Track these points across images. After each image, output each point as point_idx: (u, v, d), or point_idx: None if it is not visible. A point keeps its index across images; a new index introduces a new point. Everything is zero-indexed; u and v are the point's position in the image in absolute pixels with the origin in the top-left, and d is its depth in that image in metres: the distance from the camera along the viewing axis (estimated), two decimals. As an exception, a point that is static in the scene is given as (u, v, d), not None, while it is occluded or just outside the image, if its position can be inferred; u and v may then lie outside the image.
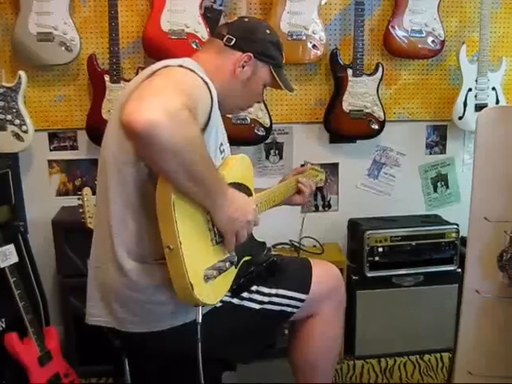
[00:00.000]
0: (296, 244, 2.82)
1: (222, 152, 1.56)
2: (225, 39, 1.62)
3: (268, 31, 1.69)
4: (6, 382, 2.26)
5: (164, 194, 1.31)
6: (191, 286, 1.32)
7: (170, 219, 1.30)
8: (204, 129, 1.41)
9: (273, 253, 2.63)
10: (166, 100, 1.22)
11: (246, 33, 1.64)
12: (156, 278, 1.43)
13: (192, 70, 1.40)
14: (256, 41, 1.64)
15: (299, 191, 1.97)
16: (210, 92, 1.41)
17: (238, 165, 1.59)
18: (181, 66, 1.41)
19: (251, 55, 1.62)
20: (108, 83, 2.54)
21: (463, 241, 2.58)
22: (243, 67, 1.62)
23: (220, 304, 1.52)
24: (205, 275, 1.38)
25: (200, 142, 1.29)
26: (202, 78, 1.40)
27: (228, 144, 1.64)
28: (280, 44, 1.72)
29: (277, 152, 2.95)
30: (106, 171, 1.48)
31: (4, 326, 2.29)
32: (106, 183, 1.47)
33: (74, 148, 2.78)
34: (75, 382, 2.36)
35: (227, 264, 1.46)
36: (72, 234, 2.44)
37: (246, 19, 1.75)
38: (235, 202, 1.44)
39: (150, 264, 1.44)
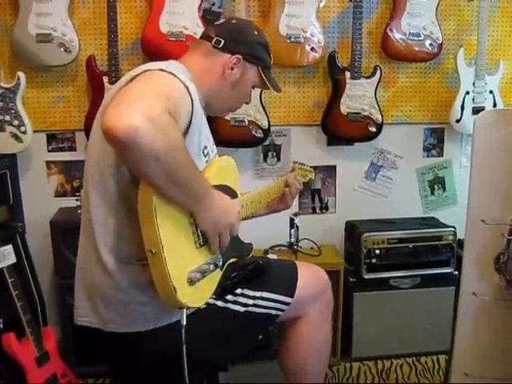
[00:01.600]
0: (293, 245, 2.81)
1: (205, 155, 1.54)
2: (213, 41, 1.61)
3: (256, 32, 1.68)
4: (4, 383, 2.26)
5: (145, 198, 1.30)
6: (174, 289, 1.31)
7: (151, 224, 1.29)
8: (186, 132, 1.40)
9: (270, 255, 2.66)
10: (146, 105, 1.20)
11: (235, 34, 1.63)
12: (140, 278, 1.43)
13: (173, 74, 1.38)
14: (245, 43, 1.63)
15: (284, 194, 1.92)
16: (191, 96, 1.39)
17: (222, 167, 1.59)
18: (161, 69, 1.40)
19: (240, 57, 1.61)
20: (107, 85, 2.53)
21: (460, 243, 2.58)
22: (232, 69, 1.61)
23: (204, 306, 1.51)
24: (188, 278, 1.37)
25: (181, 146, 1.28)
26: (182, 82, 1.38)
27: (214, 147, 1.62)
28: (268, 45, 1.71)
29: (275, 154, 2.95)
30: (88, 173, 1.48)
31: (2, 326, 2.28)
32: (89, 185, 1.47)
33: (72, 149, 2.78)
34: (73, 382, 2.36)
35: (211, 266, 1.46)
36: (70, 234, 2.41)
37: (234, 21, 1.74)
38: (219, 205, 1.43)
39: (133, 265, 1.44)
